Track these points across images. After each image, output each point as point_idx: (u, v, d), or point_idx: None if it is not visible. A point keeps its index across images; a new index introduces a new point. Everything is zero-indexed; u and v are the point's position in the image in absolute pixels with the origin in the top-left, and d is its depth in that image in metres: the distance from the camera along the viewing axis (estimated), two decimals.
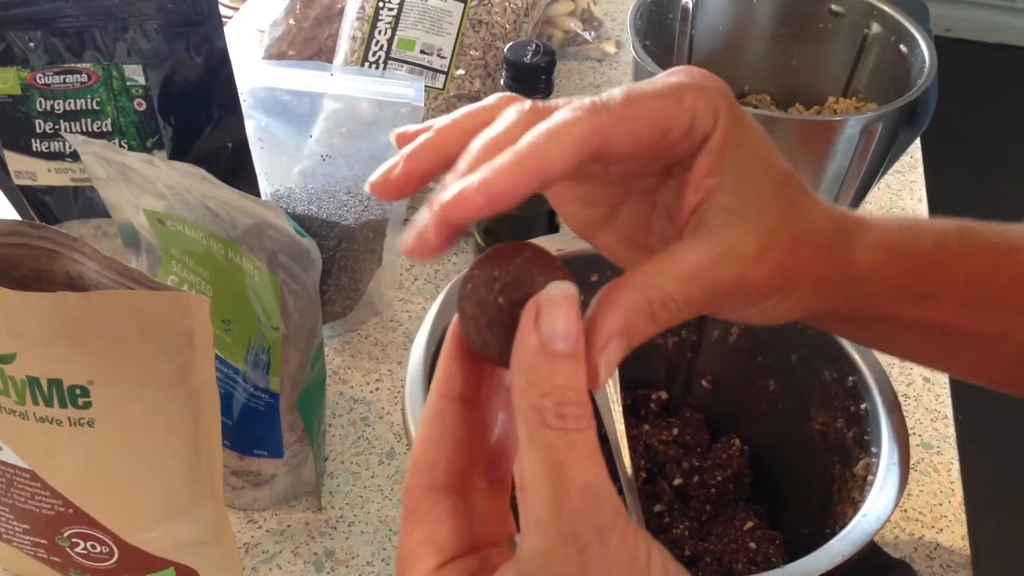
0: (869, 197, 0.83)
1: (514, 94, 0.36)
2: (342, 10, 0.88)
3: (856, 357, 0.50)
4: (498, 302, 0.30)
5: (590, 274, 0.52)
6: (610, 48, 1.06)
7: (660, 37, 0.81)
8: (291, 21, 0.91)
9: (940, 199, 0.97)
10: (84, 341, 0.47)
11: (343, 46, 0.83)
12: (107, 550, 0.54)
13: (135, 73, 0.60)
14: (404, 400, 0.50)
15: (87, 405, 0.48)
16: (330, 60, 0.87)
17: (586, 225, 0.41)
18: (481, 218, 0.31)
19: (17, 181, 0.65)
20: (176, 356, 0.48)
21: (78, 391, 0.48)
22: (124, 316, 0.46)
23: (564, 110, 0.33)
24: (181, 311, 0.47)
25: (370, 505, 0.65)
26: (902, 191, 0.92)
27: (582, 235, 0.42)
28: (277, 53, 0.91)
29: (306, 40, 0.90)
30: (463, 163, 0.32)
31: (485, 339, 0.31)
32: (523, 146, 0.32)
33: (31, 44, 0.60)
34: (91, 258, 0.48)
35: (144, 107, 0.61)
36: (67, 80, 0.61)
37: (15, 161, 0.64)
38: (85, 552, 0.55)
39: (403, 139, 0.37)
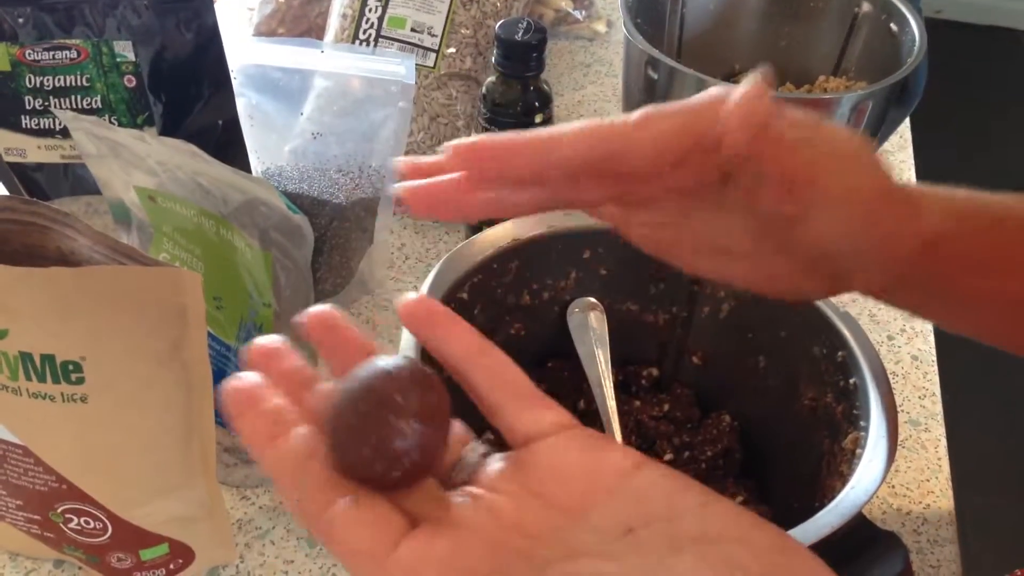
0: None
1: None
2: None
3: (845, 332, 0.50)
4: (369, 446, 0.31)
5: (582, 250, 0.52)
6: (601, 27, 1.06)
7: (651, 16, 0.80)
8: (280, 4, 0.91)
9: (929, 179, 0.97)
10: (77, 316, 0.47)
11: (333, 24, 0.83)
12: (100, 525, 0.55)
13: (125, 49, 0.60)
14: None
15: (80, 381, 0.49)
16: (320, 38, 0.87)
17: (658, 245, 0.42)
18: (493, 180, 0.36)
19: (7, 158, 0.64)
20: (168, 332, 0.48)
21: (71, 367, 0.48)
22: (116, 292, 0.46)
23: None
24: (173, 287, 0.47)
25: None
26: (891, 170, 0.93)
27: (660, 255, 0.43)
28: (267, 31, 0.91)
29: (296, 18, 0.90)
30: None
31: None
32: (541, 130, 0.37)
33: (20, 20, 0.59)
34: (83, 234, 0.48)
35: (134, 83, 0.61)
36: (56, 56, 0.60)
37: (5, 138, 0.64)
38: (79, 528, 0.55)
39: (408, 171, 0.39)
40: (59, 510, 0.54)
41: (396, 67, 0.68)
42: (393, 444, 0.30)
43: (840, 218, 0.38)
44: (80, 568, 0.59)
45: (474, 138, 0.36)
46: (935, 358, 0.78)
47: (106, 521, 0.54)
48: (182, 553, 0.58)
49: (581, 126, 0.36)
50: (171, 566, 0.58)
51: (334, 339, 0.35)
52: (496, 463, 0.32)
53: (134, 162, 0.56)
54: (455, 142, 0.36)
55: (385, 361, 0.31)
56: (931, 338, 0.79)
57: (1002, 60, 2.72)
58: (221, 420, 0.61)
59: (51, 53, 0.60)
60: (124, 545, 0.56)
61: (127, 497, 0.54)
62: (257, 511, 0.63)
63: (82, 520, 0.55)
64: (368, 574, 0.29)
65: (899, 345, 0.78)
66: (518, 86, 0.69)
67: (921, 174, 0.93)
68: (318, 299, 0.74)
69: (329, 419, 0.31)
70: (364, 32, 0.81)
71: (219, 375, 0.61)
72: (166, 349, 0.49)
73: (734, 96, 0.37)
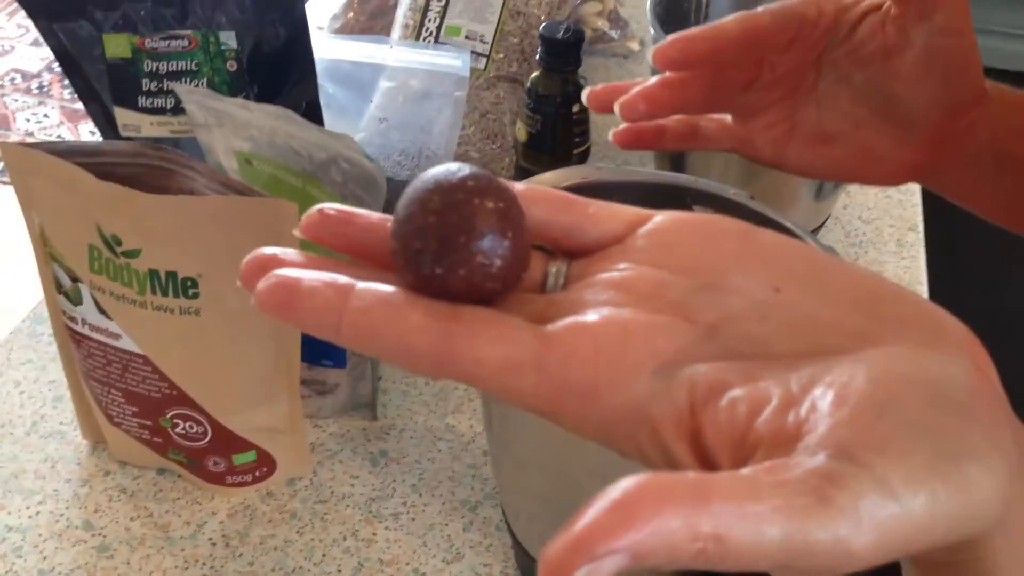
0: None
1: None
2: (395, 5, 0.99)
3: None
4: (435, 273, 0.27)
5: (611, 198, 0.62)
6: (634, 46, 1.17)
7: (677, 27, 0.91)
8: (350, 15, 1.03)
9: (940, 214, 1.03)
10: (197, 238, 0.57)
11: (396, 33, 0.94)
12: (202, 430, 0.65)
13: (229, 39, 0.71)
14: None
15: (195, 296, 0.59)
16: None
17: (775, 148, 0.56)
18: (680, 64, 0.53)
19: (123, 133, 0.76)
20: None
21: (189, 283, 0.59)
22: (229, 218, 0.57)
23: None
24: (274, 215, 0.57)
25: (418, 416, 0.75)
26: None
27: (777, 164, 0.57)
28: None
29: (363, 31, 1.02)
30: None
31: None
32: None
33: (141, 13, 0.71)
34: (202, 174, 0.58)
35: (235, 68, 0.72)
36: (171, 45, 0.72)
37: (123, 115, 0.75)
38: (183, 432, 0.65)
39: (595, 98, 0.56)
40: (168, 415, 0.64)
41: (453, 60, 0.79)
42: (491, 247, 0.27)
43: (938, 31, 0.50)
44: (179, 476, 0.69)
45: (667, 39, 0.52)
46: None
47: (207, 426, 0.65)
48: (267, 462, 0.68)
49: (731, 16, 0.52)
50: (256, 473, 0.68)
51: (348, 232, 0.30)
52: (595, 261, 0.30)
53: (235, 130, 0.67)
54: (654, 47, 0.52)
55: (446, 169, 0.28)
56: None
57: None
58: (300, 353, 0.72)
59: (167, 42, 0.72)
60: (220, 449, 0.66)
61: (226, 404, 0.64)
62: (328, 436, 0.73)
63: (187, 425, 0.65)
64: (523, 384, 0.26)
65: None
66: (559, 79, 0.80)
67: (929, 207, 1.00)
68: None
69: (404, 236, 0.27)
70: (423, 40, 0.92)
71: None
72: None
73: None
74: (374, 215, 0.30)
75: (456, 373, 0.26)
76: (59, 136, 2.73)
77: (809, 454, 0.23)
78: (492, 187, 0.28)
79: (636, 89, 0.53)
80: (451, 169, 0.28)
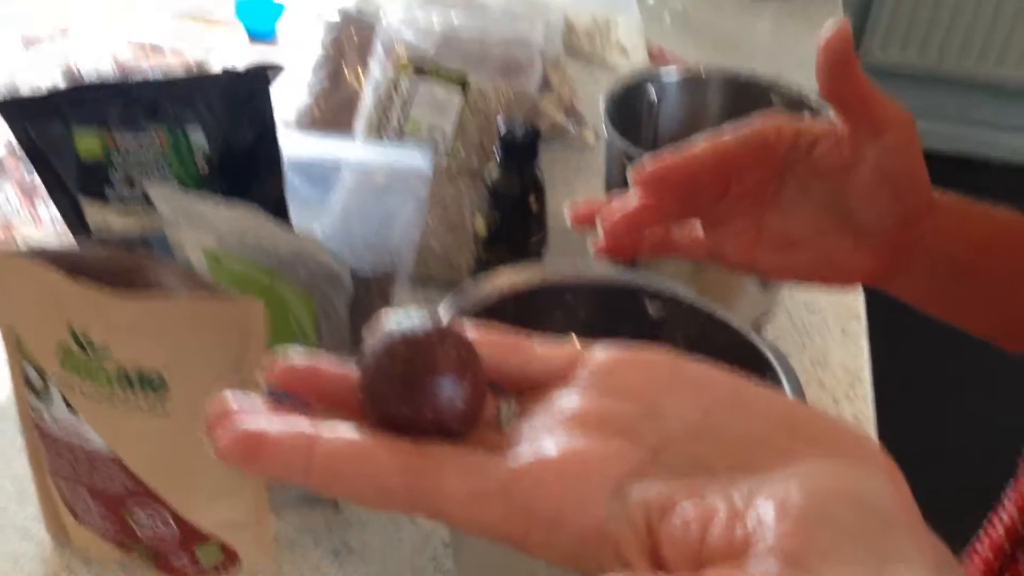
0: None
1: None
2: (358, 99, 1.02)
3: (773, 359, 0.61)
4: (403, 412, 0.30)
5: (564, 295, 0.65)
6: (590, 139, 1.21)
7: (628, 125, 0.94)
8: (315, 109, 1.06)
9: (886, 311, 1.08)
10: (166, 337, 0.59)
11: (360, 128, 0.97)
12: (167, 526, 0.65)
13: (199, 138, 0.74)
14: None
15: (164, 391, 0.60)
16: None
17: (744, 253, 0.60)
18: (659, 188, 0.55)
19: (93, 228, 0.77)
20: (232, 349, 0.60)
21: (158, 381, 0.60)
22: (197, 315, 0.59)
23: None
24: (241, 313, 0.59)
25: None
26: None
27: (748, 268, 0.61)
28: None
29: (327, 124, 1.05)
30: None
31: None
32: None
33: (113, 111, 0.73)
34: (173, 273, 0.60)
35: (204, 165, 0.74)
36: (141, 142, 0.74)
37: (92, 212, 0.77)
38: (149, 528, 0.65)
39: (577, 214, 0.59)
40: (133, 511, 0.65)
41: (415, 160, 0.82)
42: (454, 389, 0.30)
43: (888, 150, 0.54)
44: (143, 573, 0.70)
45: (645, 163, 0.55)
46: (874, 418, 0.89)
47: (172, 522, 0.65)
48: (230, 556, 0.68)
49: (701, 142, 0.56)
50: (219, 568, 0.68)
51: (317, 383, 0.32)
52: (543, 395, 0.32)
53: (204, 227, 0.69)
54: (634, 173, 0.56)
55: (412, 319, 0.31)
56: (870, 398, 0.91)
57: (995, 194, 2.87)
58: None
59: (138, 140, 0.74)
60: (184, 543, 0.66)
61: (191, 499, 0.65)
62: (289, 528, 0.74)
63: (152, 521, 0.65)
64: (491, 515, 0.28)
65: (843, 407, 0.90)
66: (516, 177, 0.83)
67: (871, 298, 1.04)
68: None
69: (372, 382, 0.30)
70: (386, 133, 0.95)
71: None
72: (231, 364, 0.60)
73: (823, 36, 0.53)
74: (337, 368, 0.32)
75: (427, 508, 0.28)
76: (16, 213, 2.72)
77: (761, 562, 0.25)
78: (452, 335, 0.31)
79: (619, 214, 0.57)
80: (414, 321, 0.31)
